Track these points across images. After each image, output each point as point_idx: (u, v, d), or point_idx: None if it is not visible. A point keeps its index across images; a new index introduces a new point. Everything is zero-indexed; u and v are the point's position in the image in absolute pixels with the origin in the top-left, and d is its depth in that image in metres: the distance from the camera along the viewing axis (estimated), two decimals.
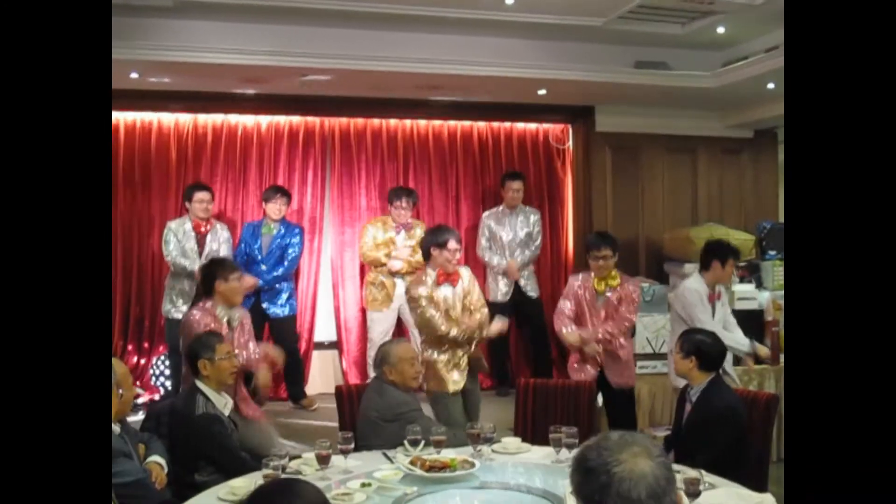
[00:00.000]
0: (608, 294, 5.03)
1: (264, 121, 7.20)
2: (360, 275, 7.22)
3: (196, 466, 3.59)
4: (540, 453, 3.63)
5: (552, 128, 7.83)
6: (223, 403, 3.80)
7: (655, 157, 7.89)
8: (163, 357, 6.72)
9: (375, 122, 7.41)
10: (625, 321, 4.99)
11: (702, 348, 3.87)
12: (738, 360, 5.56)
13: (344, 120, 7.34)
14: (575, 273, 5.57)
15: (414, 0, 5.61)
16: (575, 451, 2.92)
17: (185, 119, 7.07)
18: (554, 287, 7.43)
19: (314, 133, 7.29)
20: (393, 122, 7.46)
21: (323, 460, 3.29)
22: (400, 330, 6.90)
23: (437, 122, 7.55)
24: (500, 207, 7.15)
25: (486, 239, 7.10)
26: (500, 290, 7.02)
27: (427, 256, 4.75)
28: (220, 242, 6.41)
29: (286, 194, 6.66)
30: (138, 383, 6.59)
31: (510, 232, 7.06)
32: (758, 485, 3.41)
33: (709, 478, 3.06)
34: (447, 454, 3.44)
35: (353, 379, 7.02)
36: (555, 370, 7.23)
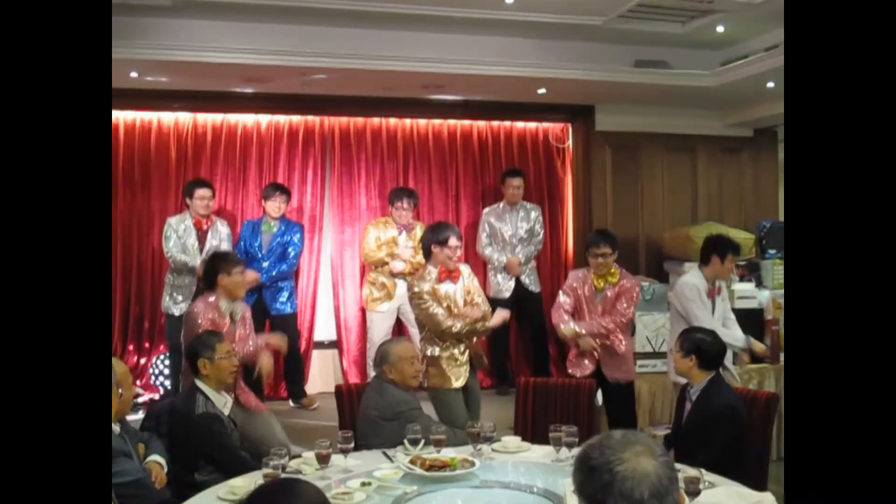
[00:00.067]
0: (607, 291, 5.03)
1: (264, 120, 7.20)
2: (360, 274, 7.22)
3: (196, 466, 3.59)
4: (540, 452, 3.63)
5: (552, 127, 7.83)
6: (223, 403, 3.81)
7: (655, 156, 7.89)
8: (162, 356, 6.72)
9: (375, 121, 7.41)
10: (621, 316, 4.99)
11: (702, 347, 3.87)
12: (734, 357, 5.56)
13: (344, 119, 7.34)
14: (575, 269, 5.57)
15: (415, 0, 5.60)
16: (577, 450, 2.93)
17: (184, 118, 7.07)
18: (553, 286, 7.41)
19: (314, 132, 7.29)
20: (393, 121, 7.45)
21: (323, 459, 3.29)
22: (400, 330, 6.90)
23: (436, 122, 7.55)
24: (501, 204, 7.15)
25: (486, 235, 7.10)
26: (502, 286, 7.03)
27: (428, 254, 4.74)
28: (220, 239, 6.42)
29: (285, 192, 6.66)
30: (138, 383, 6.59)
31: (511, 228, 7.06)
32: (757, 484, 3.41)
33: (709, 476, 3.06)
34: (447, 453, 3.44)
35: (353, 378, 7.01)
36: (553, 368, 7.24)
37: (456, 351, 4.66)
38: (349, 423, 4.13)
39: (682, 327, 4.46)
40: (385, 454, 3.57)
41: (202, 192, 6.36)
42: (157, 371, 6.73)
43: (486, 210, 7.20)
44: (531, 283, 7.11)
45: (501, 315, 4.89)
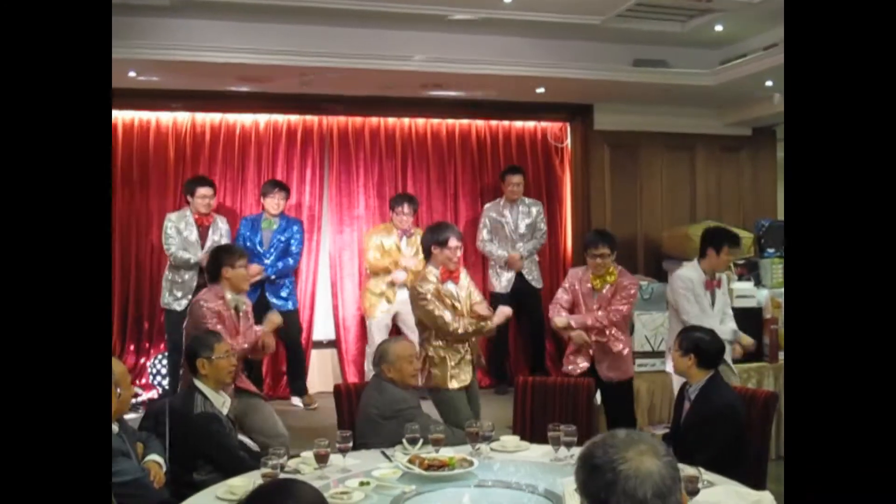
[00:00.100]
0: (605, 289, 5.03)
1: (262, 119, 7.20)
2: (359, 273, 7.22)
3: (194, 465, 3.59)
4: (538, 451, 3.63)
5: (551, 126, 7.83)
6: (221, 402, 3.80)
7: (654, 154, 7.89)
8: (160, 356, 6.71)
9: (374, 120, 7.41)
10: (616, 312, 4.98)
11: (700, 346, 3.87)
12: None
13: (342, 118, 7.34)
14: (575, 266, 5.57)
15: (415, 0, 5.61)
16: (576, 449, 2.92)
17: (183, 118, 7.07)
18: (552, 284, 7.41)
19: (312, 131, 7.29)
20: (391, 120, 7.46)
21: (321, 459, 3.29)
22: (398, 333, 6.90)
23: (435, 121, 7.55)
24: (501, 200, 7.15)
25: (487, 231, 7.10)
26: (502, 281, 7.03)
27: (428, 255, 4.73)
28: (221, 235, 6.42)
29: (284, 188, 6.66)
30: (137, 382, 6.58)
31: (512, 223, 7.07)
32: (756, 483, 3.41)
33: (707, 476, 3.06)
34: (445, 453, 3.44)
35: (352, 378, 7.01)
36: (550, 364, 7.24)
37: (460, 351, 4.64)
38: (348, 422, 4.13)
39: (679, 324, 4.46)
40: (384, 454, 3.57)
41: (203, 191, 6.35)
42: (155, 371, 6.72)
43: (487, 205, 7.20)
44: (533, 278, 7.11)
45: (504, 313, 4.88)
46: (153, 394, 6.64)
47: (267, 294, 6.51)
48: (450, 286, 4.64)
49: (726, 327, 5.10)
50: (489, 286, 7.19)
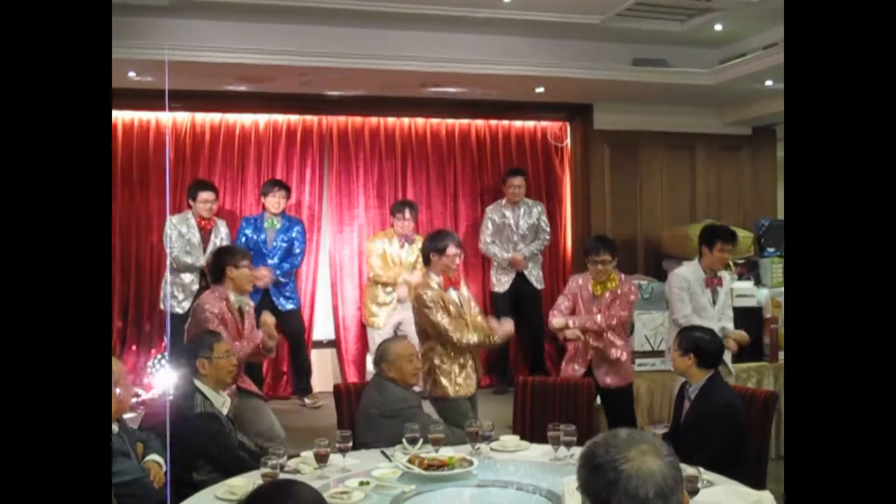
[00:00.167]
0: (605, 295, 5.02)
1: (262, 119, 7.20)
2: (359, 273, 7.22)
3: (194, 465, 3.59)
4: (538, 451, 3.63)
5: (550, 125, 7.83)
6: (221, 402, 3.80)
7: (654, 154, 7.89)
8: (161, 356, 6.71)
9: (373, 120, 7.41)
10: (614, 317, 4.98)
11: (700, 345, 3.87)
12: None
13: (342, 118, 7.34)
14: (576, 274, 5.57)
15: None
16: (576, 449, 2.92)
17: (182, 118, 7.06)
18: (551, 284, 7.42)
19: (312, 131, 7.29)
20: (391, 120, 7.46)
21: (321, 459, 3.30)
22: None
23: (435, 121, 7.55)
24: (503, 201, 7.15)
25: (489, 234, 7.09)
26: (502, 280, 7.04)
27: (427, 262, 4.73)
28: (221, 239, 6.42)
29: (284, 187, 6.67)
30: (138, 382, 6.58)
31: (513, 224, 7.06)
32: (756, 482, 3.41)
33: (707, 475, 3.06)
34: (445, 452, 3.44)
35: (352, 377, 7.02)
36: (551, 366, 7.24)
37: (464, 360, 4.62)
38: (348, 422, 4.13)
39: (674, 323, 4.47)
40: (383, 453, 3.57)
41: (205, 196, 6.36)
42: (155, 371, 6.72)
43: (489, 207, 7.20)
44: (534, 279, 7.11)
45: (507, 330, 4.84)
46: (153, 394, 6.64)
47: (271, 294, 6.51)
48: (452, 293, 4.63)
49: (717, 325, 5.10)
50: (490, 286, 7.20)
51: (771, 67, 6.03)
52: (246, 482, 3.12)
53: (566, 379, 4.88)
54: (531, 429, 4.38)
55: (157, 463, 3.44)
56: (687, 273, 5.09)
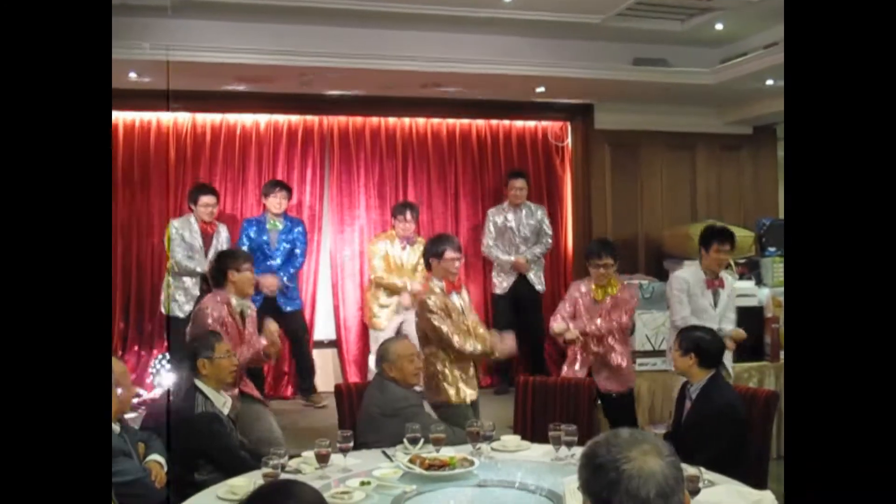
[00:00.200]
0: (606, 301, 5.02)
1: (263, 119, 7.20)
2: (360, 274, 7.23)
3: (195, 465, 3.59)
4: (539, 451, 3.63)
5: (551, 125, 7.83)
6: (222, 402, 3.81)
7: (654, 154, 7.89)
8: (161, 356, 6.72)
9: (374, 120, 7.41)
10: (615, 321, 4.97)
11: (700, 345, 3.87)
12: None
13: (343, 118, 7.34)
14: (576, 280, 5.56)
15: None
16: (577, 449, 2.91)
17: (183, 118, 7.06)
18: (552, 284, 7.42)
19: (313, 131, 7.29)
20: (392, 120, 7.45)
21: (322, 459, 3.29)
22: None
23: (435, 121, 7.55)
24: (505, 204, 7.15)
25: (492, 238, 7.09)
26: (503, 282, 7.04)
27: (429, 267, 4.74)
28: (222, 243, 6.42)
29: (286, 188, 6.67)
30: (139, 382, 6.59)
31: (515, 227, 7.06)
32: (757, 482, 3.41)
33: (708, 475, 3.06)
34: (446, 452, 3.44)
35: (353, 377, 7.02)
36: (552, 366, 7.23)
37: (465, 365, 4.59)
38: (349, 422, 4.13)
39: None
40: (384, 453, 3.57)
41: (206, 200, 6.35)
42: (156, 371, 6.72)
43: (491, 210, 7.19)
44: (536, 281, 7.10)
45: (509, 345, 4.84)
46: (154, 394, 6.64)
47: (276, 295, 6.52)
48: (454, 298, 4.63)
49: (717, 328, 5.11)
50: (490, 287, 7.19)
51: (772, 67, 6.02)
52: (247, 482, 3.12)
53: (567, 379, 4.88)
54: (532, 429, 4.38)
55: (158, 463, 3.45)
56: (687, 275, 5.09)
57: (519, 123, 7.75)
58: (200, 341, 3.93)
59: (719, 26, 6.24)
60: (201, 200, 6.33)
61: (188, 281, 6.30)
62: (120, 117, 6.91)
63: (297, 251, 6.62)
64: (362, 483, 3.13)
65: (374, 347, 6.71)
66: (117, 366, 3.30)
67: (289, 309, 6.55)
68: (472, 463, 3.32)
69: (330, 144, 7.31)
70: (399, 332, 6.51)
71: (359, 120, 7.36)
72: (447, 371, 4.51)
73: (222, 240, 6.44)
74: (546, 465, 3.42)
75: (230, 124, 7.14)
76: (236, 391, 4.30)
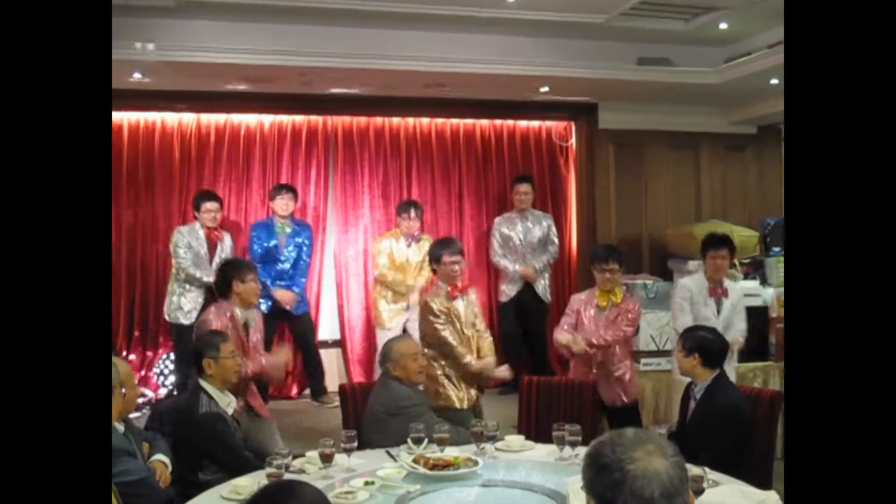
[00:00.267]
0: (609, 311, 4.99)
1: (267, 120, 7.21)
2: (364, 273, 7.23)
3: (200, 465, 3.60)
4: (543, 451, 3.63)
5: (555, 125, 7.83)
6: (226, 402, 3.81)
7: (659, 153, 7.88)
8: (165, 357, 6.73)
9: (378, 120, 7.42)
10: (619, 331, 4.95)
11: (704, 345, 3.87)
12: None
13: (347, 118, 7.34)
14: (578, 292, 5.54)
15: None
16: (582, 449, 2.91)
17: (188, 119, 7.08)
18: (555, 286, 7.41)
19: (317, 132, 7.30)
20: (395, 120, 7.46)
21: (326, 459, 3.30)
22: None
23: (439, 121, 7.55)
24: (510, 214, 7.14)
25: (499, 245, 7.08)
26: (507, 291, 7.05)
27: (434, 271, 4.76)
28: (226, 251, 6.42)
29: (291, 190, 6.69)
30: (143, 382, 6.60)
31: (522, 235, 7.04)
32: (762, 482, 3.40)
33: (712, 475, 3.06)
34: (450, 452, 3.44)
35: (357, 377, 7.02)
36: (557, 367, 7.23)
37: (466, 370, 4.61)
38: (353, 422, 4.13)
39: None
40: (388, 453, 3.58)
41: (209, 206, 6.36)
42: (160, 371, 6.74)
43: (497, 220, 7.20)
44: (541, 291, 7.09)
45: (503, 375, 4.87)
46: (159, 394, 6.66)
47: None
48: (458, 304, 4.64)
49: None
50: (498, 295, 7.18)
51: (776, 66, 6.01)
52: (251, 482, 3.12)
53: (571, 379, 4.87)
54: (536, 429, 4.38)
55: (162, 462, 3.46)
56: (690, 283, 5.11)
57: (523, 123, 7.76)
58: (205, 341, 3.93)
59: (723, 26, 6.23)
60: (204, 206, 6.34)
61: (193, 289, 6.30)
62: (124, 118, 6.92)
63: (305, 256, 6.65)
64: (366, 483, 3.13)
65: (380, 346, 6.73)
66: (122, 366, 3.30)
67: (297, 312, 6.58)
68: (476, 463, 3.32)
69: (334, 144, 7.32)
70: (405, 331, 6.52)
71: (363, 120, 7.37)
72: (450, 375, 4.53)
73: (226, 248, 6.45)
74: (550, 465, 3.42)
75: (234, 125, 7.15)
76: (242, 403, 4.27)
